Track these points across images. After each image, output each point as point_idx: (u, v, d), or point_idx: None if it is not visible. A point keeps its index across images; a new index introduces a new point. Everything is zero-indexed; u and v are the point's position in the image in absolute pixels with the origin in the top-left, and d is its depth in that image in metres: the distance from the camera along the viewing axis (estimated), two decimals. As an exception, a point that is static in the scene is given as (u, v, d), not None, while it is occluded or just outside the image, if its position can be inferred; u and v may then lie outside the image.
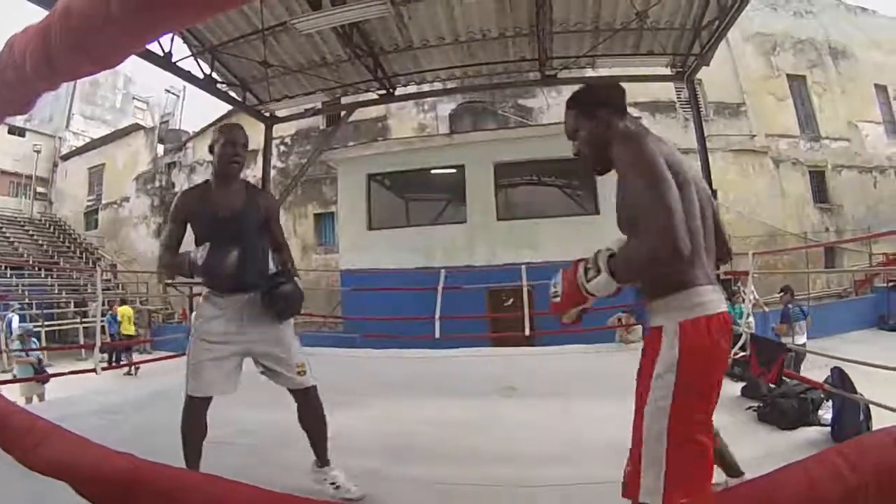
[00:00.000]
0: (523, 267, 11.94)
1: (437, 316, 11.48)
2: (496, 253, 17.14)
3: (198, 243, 4.05)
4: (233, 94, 14.03)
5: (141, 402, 7.44)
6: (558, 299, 2.97)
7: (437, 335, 11.35)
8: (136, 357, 18.73)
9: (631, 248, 2.66)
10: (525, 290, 11.83)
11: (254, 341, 4.30)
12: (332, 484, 4.44)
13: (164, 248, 4.19)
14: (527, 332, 11.52)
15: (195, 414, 4.29)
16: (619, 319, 11.67)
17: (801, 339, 12.41)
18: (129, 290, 30.89)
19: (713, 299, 2.65)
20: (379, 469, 4.83)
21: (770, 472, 1.98)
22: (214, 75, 13.12)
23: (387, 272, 14.89)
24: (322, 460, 4.56)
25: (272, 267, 4.59)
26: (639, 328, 11.49)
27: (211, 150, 4.34)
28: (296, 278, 4.43)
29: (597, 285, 2.77)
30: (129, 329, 20.36)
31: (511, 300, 13.90)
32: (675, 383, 2.57)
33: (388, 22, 12.07)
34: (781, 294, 13.21)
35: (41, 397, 12.25)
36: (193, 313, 4.77)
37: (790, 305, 12.89)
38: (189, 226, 4.22)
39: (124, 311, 21.00)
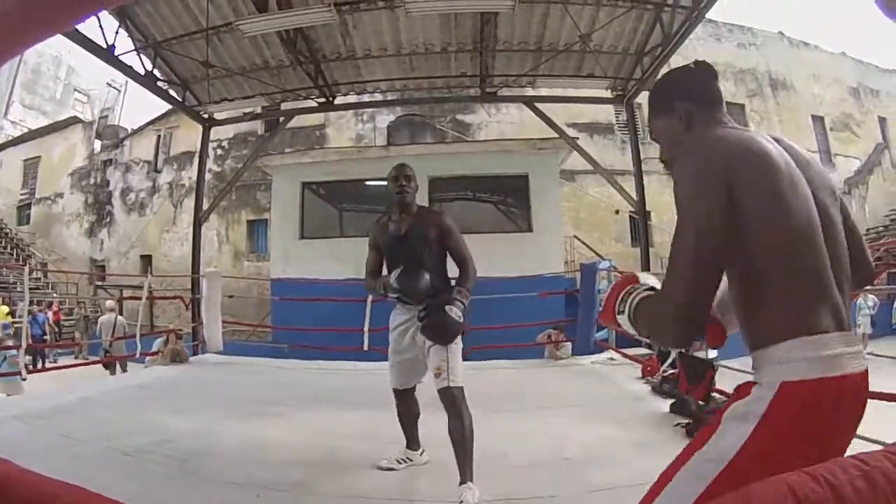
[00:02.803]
0: (453, 281, 11.83)
1: (366, 328, 11.40)
2: (428, 267, 16.79)
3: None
4: (173, 92, 13.81)
5: (66, 407, 7.27)
6: (601, 310, 2.48)
7: (366, 347, 11.29)
8: (70, 361, 18.13)
9: (654, 304, 2.14)
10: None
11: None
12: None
13: (366, 273, 5.22)
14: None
15: (399, 401, 5.19)
16: (549, 336, 11.70)
17: (713, 352, 12.65)
18: (58, 290, 30.26)
19: (837, 353, 1.88)
20: (304, 482, 4.80)
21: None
22: (156, 72, 12.89)
23: (317, 282, 14.72)
24: (461, 474, 4.38)
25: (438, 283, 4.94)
26: (568, 345, 11.56)
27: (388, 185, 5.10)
28: (456, 302, 4.65)
29: (623, 321, 2.26)
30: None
31: (442, 314, 13.96)
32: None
33: (333, 30, 12.10)
34: None
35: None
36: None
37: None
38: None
39: (-3, 310, 19.35)
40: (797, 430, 1.82)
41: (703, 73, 2.36)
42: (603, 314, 2.40)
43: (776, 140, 2.11)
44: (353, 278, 15.23)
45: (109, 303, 16.68)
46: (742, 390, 2.01)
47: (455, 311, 4.53)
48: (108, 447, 5.54)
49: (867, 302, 18.61)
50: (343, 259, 16.82)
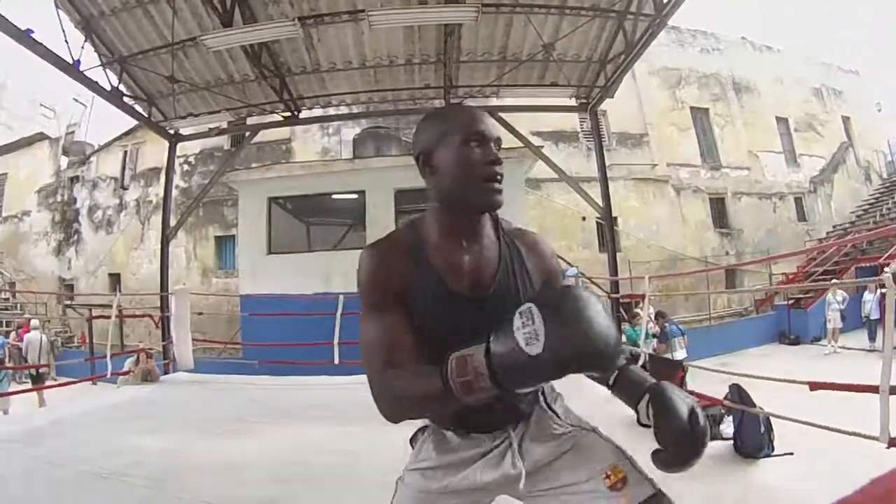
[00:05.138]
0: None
1: (336, 342, 11.47)
2: (395, 279, 16.54)
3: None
4: (139, 108, 13.69)
5: (40, 430, 7.24)
6: None
7: (337, 361, 11.34)
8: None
9: None
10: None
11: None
12: None
13: (384, 358, 1.98)
14: (426, 356, 11.51)
15: None
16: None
17: (680, 354, 12.72)
18: (28, 310, 29.84)
19: None
20: (276, 498, 4.81)
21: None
22: (122, 87, 12.82)
23: (286, 297, 14.65)
24: None
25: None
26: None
27: (427, 160, 2.11)
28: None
29: None
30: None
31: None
32: None
33: (297, 43, 12.11)
34: (656, 319, 13.48)
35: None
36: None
37: (666, 325, 13.24)
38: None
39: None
40: None
41: None
42: None
43: None
44: (322, 292, 15.22)
45: (34, 321, 16.49)
46: None
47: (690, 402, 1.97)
48: (84, 470, 5.53)
49: (836, 297, 18.97)
50: (311, 273, 16.72)
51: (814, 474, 5.13)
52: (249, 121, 15.43)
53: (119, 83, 12.66)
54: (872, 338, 18.19)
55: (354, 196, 18.52)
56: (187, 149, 26.58)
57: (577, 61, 13.00)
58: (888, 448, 4.27)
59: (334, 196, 19.09)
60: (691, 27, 31.59)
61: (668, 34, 28.65)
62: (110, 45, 12.08)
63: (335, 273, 16.98)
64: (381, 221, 17.86)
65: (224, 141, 27.67)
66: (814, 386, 5.16)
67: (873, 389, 4.46)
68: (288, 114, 14.29)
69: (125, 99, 13.05)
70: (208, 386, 11.01)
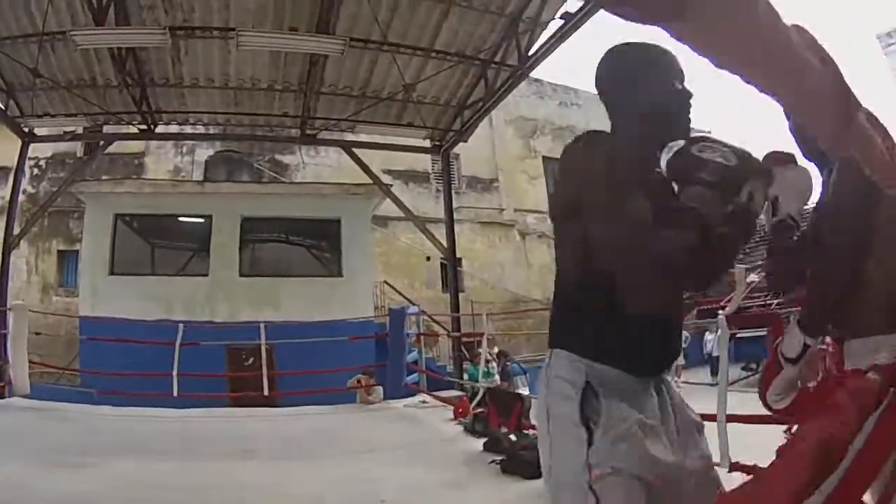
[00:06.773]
0: (262, 325, 11.86)
1: (174, 373, 11.07)
2: (237, 309, 16.52)
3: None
4: (-5, 98, 12.75)
5: None
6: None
7: (175, 393, 10.97)
8: None
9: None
10: (264, 348, 11.76)
11: None
12: None
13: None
14: (266, 391, 11.46)
15: None
16: (359, 381, 11.78)
17: (523, 391, 13.12)
18: None
19: None
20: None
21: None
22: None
23: (126, 322, 13.94)
24: None
25: None
26: (379, 389, 11.70)
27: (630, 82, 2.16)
28: None
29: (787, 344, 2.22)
30: None
31: (251, 359, 13.71)
32: None
33: (164, 54, 11.81)
34: (498, 358, 13.91)
35: None
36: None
37: (508, 364, 13.65)
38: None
39: None
40: None
41: None
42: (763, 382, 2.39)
43: None
44: (162, 319, 14.81)
45: None
46: None
47: None
48: None
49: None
50: (153, 298, 16.26)
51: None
52: (106, 129, 14.93)
53: (-19, 67, 11.86)
54: (714, 373, 19.33)
55: (201, 220, 18.21)
56: (39, 151, 25.16)
57: (435, 104, 13.35)
58: (729, 472, 4.55)
59: (181, 218, 18.69)
60: (553, 81, 32.56)
61: (530, 86, 29.45)
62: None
63: (177, 300, 16.66)
64: (225, 248, 17.72)
65: (78, 147, 26.55)
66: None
67: (712, 419, 4.74)
68: (144, 127, 13.89)
69: (-16, 87, 12.30)
70: (47, 414, 10.29)
